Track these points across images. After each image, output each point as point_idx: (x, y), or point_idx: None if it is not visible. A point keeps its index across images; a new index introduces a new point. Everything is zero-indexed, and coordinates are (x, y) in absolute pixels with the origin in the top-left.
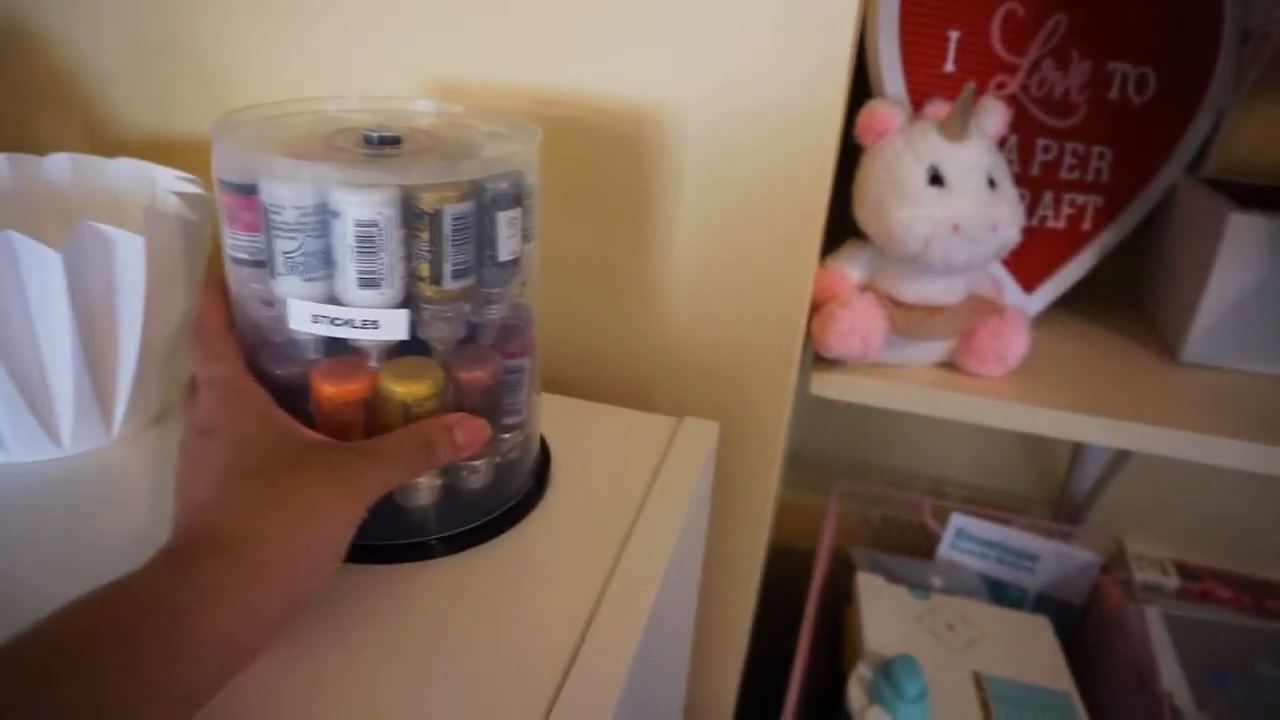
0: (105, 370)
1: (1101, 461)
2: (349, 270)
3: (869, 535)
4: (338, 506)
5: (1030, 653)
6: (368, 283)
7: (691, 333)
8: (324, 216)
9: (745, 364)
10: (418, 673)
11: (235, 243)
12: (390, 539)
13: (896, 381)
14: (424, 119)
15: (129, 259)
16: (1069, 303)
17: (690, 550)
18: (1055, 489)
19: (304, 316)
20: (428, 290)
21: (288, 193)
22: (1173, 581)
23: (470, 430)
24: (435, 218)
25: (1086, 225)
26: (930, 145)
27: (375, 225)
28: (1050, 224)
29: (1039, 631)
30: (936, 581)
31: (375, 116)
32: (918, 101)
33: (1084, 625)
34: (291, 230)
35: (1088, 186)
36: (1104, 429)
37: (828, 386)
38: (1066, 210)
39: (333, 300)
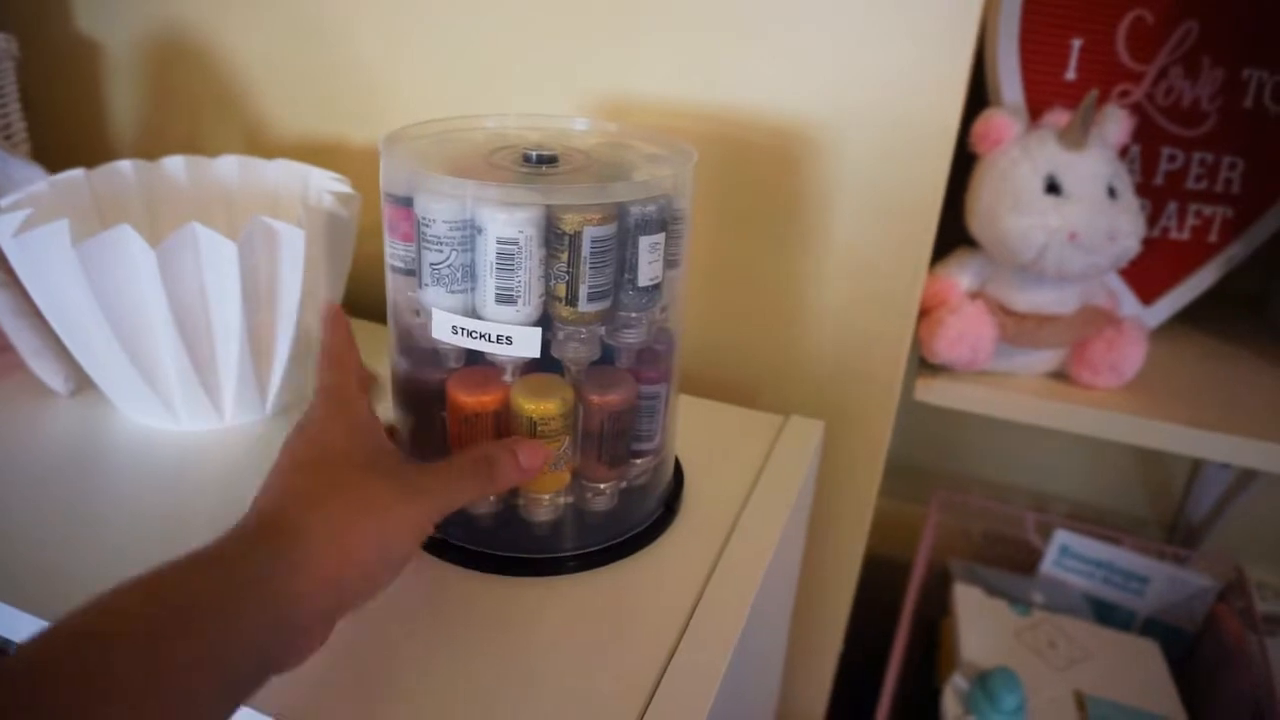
0: (264, 350)
1: (1222, 483)
2: (488, 285)
3: (969, 548)
4: (396, 509)
5: (1137, 676)
6: (505, 299)
7: (800, 333)
8: (471, 232)
9: (852, 366)
10: (520, 675)
11: (394, 251)
12: (517, 551)
13: (1004, 390)
14: (584, 138)
15: (290, 249)
16: (1193, 316)
17: (791, 550)
18: (1170, 510)
19: (445, 327)
20: (563, 311)
21: (438, 207)
22: None
23: (531, 452)
24: (574, 239)
25: (1213, 237)
26: (1048, 154)
27: (515, 243)
28: (1173, 235)
29: (1147, 655)
30: (1038, 598)
31: (536, 134)
32: (1036, 110)
33: (1197, 653)
34: (440, 243)
35: (1216, 197)
36: (1225, 446)
37: (933, 393)
38: (1192, 221)
39: (473, 313)
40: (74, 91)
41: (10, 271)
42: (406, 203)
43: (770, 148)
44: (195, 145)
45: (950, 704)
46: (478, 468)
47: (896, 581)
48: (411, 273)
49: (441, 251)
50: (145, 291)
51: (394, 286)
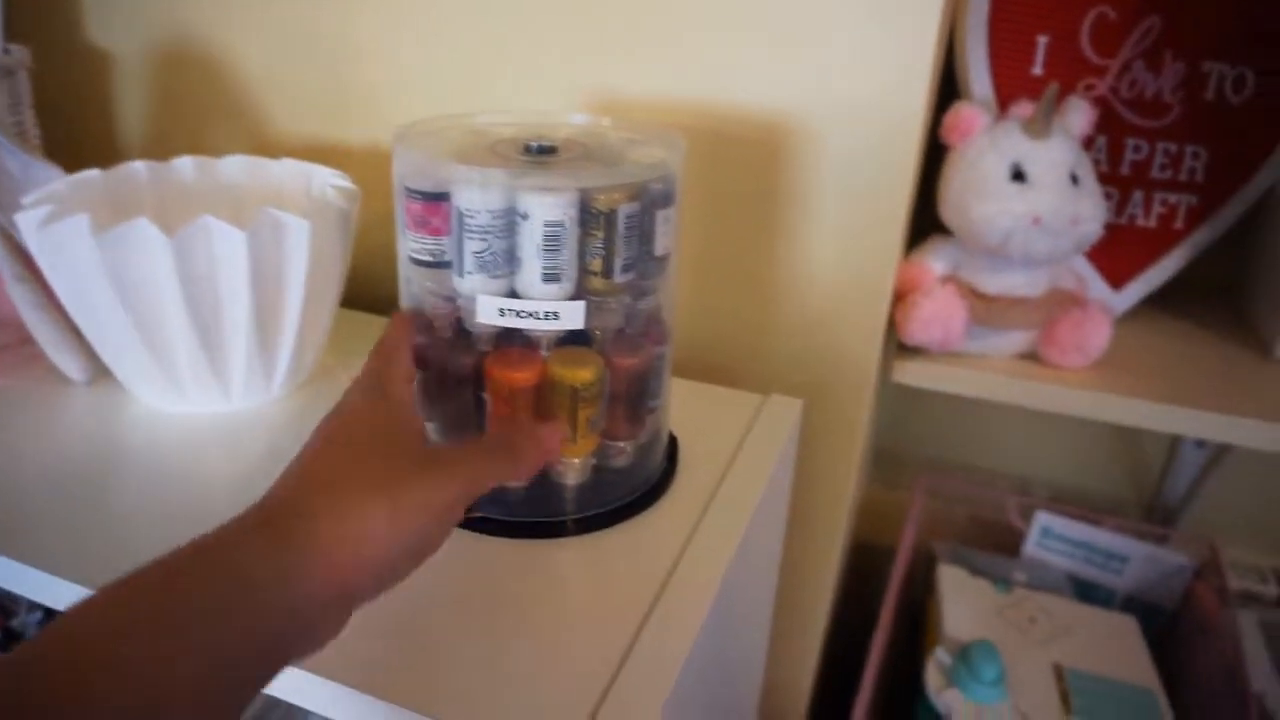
0: (271, 336)
1: (1197, 463)
2: (534, 267)
3: (953, 531)
4: (412, 489)
5: (1115, 650)
6: (551, 278)
7: (780, 317)
8: (511, 219)
9: (831, 348)
10: (502, 636)
11: (419, 245)
12: (545, 516)
13: (976, 370)
14: (564, 129)
15: (296, 241)
16: (1162, 301)
17: (770, 523)
18: (1148, 490)
19: (492, 310)
20: (598, 284)
21: (481, 198)
22: (1272, 590)
23: (552, 434)
24: (610, 217)
25: (1179, 224)
26: (1013, 143)
27: (561, 225)
28: (1140, 222)
29: (1125, 630)
30: (1020, 578)
31: (524, 129)
32: (1006, 103)
33: (1174, 630)
34: (483, 232)
35: (1180, 186)
36: (1191, 420)
37: (909, 374)
38: (1158, 209)
39: (511, 295)
40: (84, 97)
41: (30, 265)
42: (436, 197)
43: (750, 140)
44: (201, 148)
45: (933, 676)
46: (501, 451)
47: (884, 567)
48: (439, 264)
49: (485, 240)
50: (160, 280)
51: (415, 278)
